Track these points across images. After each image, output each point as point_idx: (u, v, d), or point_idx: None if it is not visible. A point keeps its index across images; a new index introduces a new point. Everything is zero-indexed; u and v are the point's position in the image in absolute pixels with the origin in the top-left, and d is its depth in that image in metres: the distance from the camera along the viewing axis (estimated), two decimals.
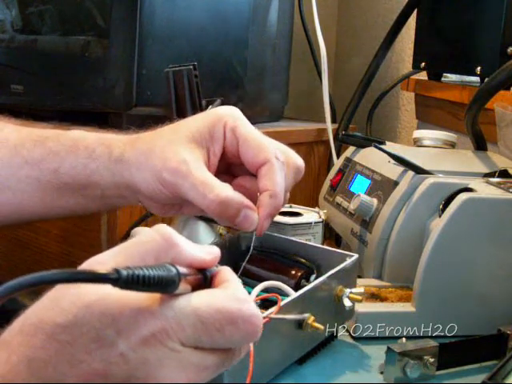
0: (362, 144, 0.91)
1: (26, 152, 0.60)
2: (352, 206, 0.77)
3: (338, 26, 1.64)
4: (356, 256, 0.61)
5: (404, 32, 1.26)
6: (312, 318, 0.53)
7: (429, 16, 1.16)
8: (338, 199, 0.87)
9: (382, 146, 0.78)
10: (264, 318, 0.47)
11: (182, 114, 0.70)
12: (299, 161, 0.59)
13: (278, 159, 0.54)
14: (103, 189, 0.58)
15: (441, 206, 0.69)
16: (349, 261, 0.60)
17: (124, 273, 0.32)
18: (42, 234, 1.02)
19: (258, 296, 0.56)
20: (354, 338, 0.64)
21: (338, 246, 0.88)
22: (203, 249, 0.39)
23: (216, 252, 0.39)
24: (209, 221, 0.73)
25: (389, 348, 0.55)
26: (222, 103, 0.74)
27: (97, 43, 0.95)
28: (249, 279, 0.61)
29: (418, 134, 0.97)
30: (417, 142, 0.96)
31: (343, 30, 1.62)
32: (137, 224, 0.82)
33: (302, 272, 0.61)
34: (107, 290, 0.34)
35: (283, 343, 0.53)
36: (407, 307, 0.65)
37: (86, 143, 0.59)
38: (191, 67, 0.70)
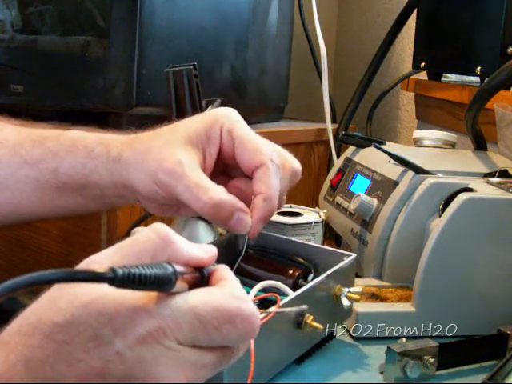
0: (362, 144, 0.91)
1: (24, 152, 0.60)
2: (352, 206, 0.77)
3: (338, 26, 1.64)
4: (354, 255, 0.61)
5: (404, 32, 1.26)
6: (311, 317, 0.53)
7: (429, 16, 1.16)
8: (338, 199, 0.87)
9: (382, 146, 0.78)
10: (262, 318, 0.47)
11: (181, 114, 0.70)
12: (296, 164, 0.58)
13: (273, 162, 0.54)
14: (102, 188, 0.58)
15: (441, 206, 0.69)
16: (346, 260, 0.60)
17: (120, 272, 0.32)
18: (41, 233, 1.02)
19: (256, 296, 0.56)
20: (354, 338, 0.64)
21: (338, 246, 0.88)
22: (200, 247, 0.39)
23: (213, 251, 0.39)
24: (209, 221, 0.73)
25: (389, 348, 0.55)
26: (222, 103, 0.74)
27: (97, 43, 0.95)
28: (247, 279, 0.61)
29: (418, 133, 0.97)
30: (417, 142, 0.96)
31: (343, 30, 1.62)
32: (137, 224, 0.82)
33: (300, 272, 0.61)
34: (104, 290, 0.34)
35: (282, 343, 0.53)
36: (407, 307, 0.65)
37: (85, 143, 0.59)
38: (191, 67, 0.70)
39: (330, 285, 0.58)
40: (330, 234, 0.89)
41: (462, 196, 0.64)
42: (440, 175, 0.73)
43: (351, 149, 0.93)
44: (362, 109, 1.29)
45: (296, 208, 0.84)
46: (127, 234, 0.79)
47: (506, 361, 0.53)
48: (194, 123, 0.57)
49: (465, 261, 0.64)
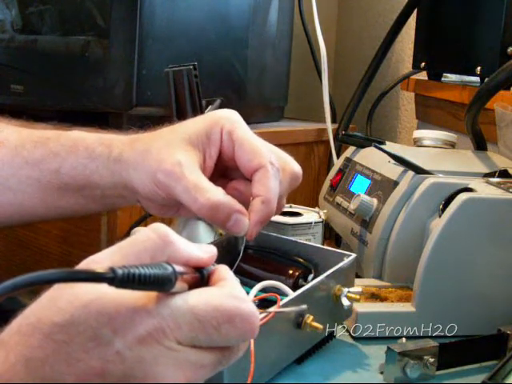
0: (362, 144, 0.91)
1: (26, 153, 0.60)
2: (352, 206, 0.77)
3: (338, 26, 1.64)
4: (354, 255, 0.61)
5: (404, 32, 1.26)
6: (311, 317, 0.53)
7: (429, 16, 1.16)
8: (338, 199, 0.87)
9: (382, 146, 0.78)
10: (262, 318, 0.47)
11: (182, 114, 0.70)
12: (296, 167, 0.58)
13: (272, 165, 0.54)
14: (103, 189, 0.58)
15: (441, 206, 0.69)
16: (346, 260, 0.60)
17: (119, 272, 0.32)
18: (42, 234, 1.02)
19: (256, 296, 0.56)
20: (354, 338, 0.64)
21: (338, 246, 0.88)
22: (200, 247, 0.39)
23: (213, 251, 0.39)
24: None
25: (389, 348, 0.55)
26: (222, 103, 0.75)
27: (97, 43, 0.96)
28: (247, 279, 0.61)
29: (418, 133, 0.97)
30: (417, 142, 0.96)
31: (343, 30, 1.62)
32: (137, 224, 0.82)
33: (300, 272, 0.61)
34: (104, 289, 0.34)
35: (282, 343, 0.53)
36: (407, 307, 0.65)
37: (86, 143, 0.59)
38: (191, 67, 0.70)
39: (330, 285, 0.58)
40: (330, 234, 0.89)
41: (462, 196, 0.64)
42: (440, 175, 0.73)
43: (351, 149, 0.93)
44: (362, 109, 1.29)
45: (296, 208, 0.84)
46: (127, 234, 0.79)
47: (505, 361, 0.53)
48: (194, 124, 0.57)
49: (465, 261, 0.64)
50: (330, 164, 1.23)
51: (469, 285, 0.65)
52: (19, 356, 0.33)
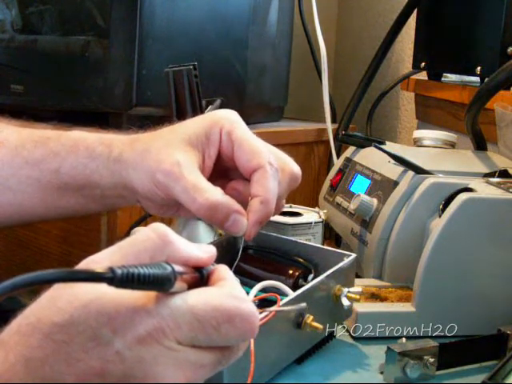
0: (362, 144, 0.91)
1: (26, 153, 0.60)
2: (352, 206, 0.77)
3: (338, 26, 1.64)
4: (354, 255, 0.61)
5: (404, 32, 1.26)
6: (311, 317, 0.53)
7: (429, 16, 1.16)
8: (338, 199, 0.87)
9: (382, 146, 0.78)
10: (261, 318, 0.47)
11: (182, 114, 0.70)
12: (296, 168, 0.58)
13: (271, 165, 0.54)
14: (103, 188, 0.58)
15: (441, 206, 0.69)
16: (346, 260, 0.60)
17: (119, 271, 0.32)
18: (42, 234, 1.02)
19: (256, 296, 0.56)
20: (354, 338, 0.64)
21: (338, 246, 0.88)
22: (199, 247, 0.39)
23: (212, 251, 0.39)
24: None
25: (389, 348, 0.55)
26: (222, 103, 0.75)
27: (97, 43, 0.95)
28: (246, 279, 0.61)
29: (418, 133, 0.97)
30: (417, 142, 0.96)
31: (343, 30, 1.62)
32: (137, 224, 0.82)
33: (300, 272, 0.61)
34: (103, 289, 0.34)
35: (282, 343, 0.53)
36: (407, 307, 0.65)
37: (87, 143, 0.59)
38: (191, 67, 0.70)
39: (330, 285, 0.58)
40: (330, 234, 0.89)
41: (462, 196, 0.64)
42: (440, 175, 0.73)
43: (351, 149, 0.93)
44: (362, 109, 1.29)
45: (296, 208, 0.84)
46: (127, 234, 0.79)
47: (505, 361, 0.53)
48: (194, 124, 0.57)
49: (465, 261, 0.64)
50: (330, 164, 1.23)
51: (469, 285, 0.65)
52: (19, 356, 0.33)
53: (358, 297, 0.59)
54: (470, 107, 0.88)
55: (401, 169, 0.75)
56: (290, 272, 0.61)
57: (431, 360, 0.55)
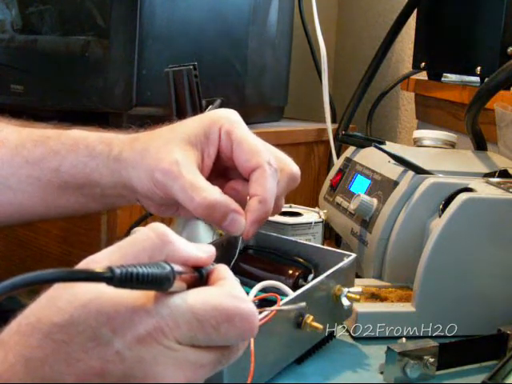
0: (362, 144, 0.91)
1: (26, 152, 0.60)
2: (352, 206, 0.77)
3: (338, 26, 1.64)
4: (354, 255, 0.61)
5: (404, 32, 1.26)
6: (311, 317, 0.53)
7: (429, 16, 1.16)
8: (338, 199, 0.87)
9: (382, 146, 0.78)
10: (261, 318, 0.47)
11: (182, 114, 0.70)
12: (295, 168, 0.58)
13: (270, 165, 0.54)
14: (103, 188, 0.58)
15: (441, 206, 0.69)
16: (346, 260, 0.60)
17: (118, 271, 0.32)
18: (41, 233, 1.02)
19: (256, 296, 0.56)
20: (354, 338, 0.64)
21: (338, 246, 0.88)
22: (199, 247, 0.39)
23: (211, 250, 0.39)
24: None
25: (389, 348, 0.55)
26: (222, 103, 0.74)
27: (97, 43, 0.95)
28: (246, 279, 0.61)
29: (418, 133, 0.97)
30: (417, 142, 0.96)
31: (343, 30, 1.62)
32: (136, 224, 0.82)
33: (300, 272, 0.61)
34: (103, 289, 0.34)
35: (282, 343, 0.53)
36: (407, 307, 0.65)
37: (87, 142, 0.59)
38: (191, 67, 0.70)
39: (330, 285, 0.58)
40: (330, 234, 0.89)
41: (462, 196, 0.64)
42: (440, 175, 0.73)
43: (351, 149, 0.93)
44: (362, 109, 1.29)
45: (296, 208, 0.84)
46: (127, 234, 0.79)
47: (505, 361, 0.53)
48: (193, 123, 0.57)
49: (465, 261, 0.64)
50: (330, 164, 1.23)
51: (469, 285, 0.65)
52: (19, 356, 0.33)
53: (358, 297, 0.59)
54: (469, 107, 0.88)
55: (401, 169, 0.75)
56: (290, 272, 0.61)
57: (431, 360, 0.55)
